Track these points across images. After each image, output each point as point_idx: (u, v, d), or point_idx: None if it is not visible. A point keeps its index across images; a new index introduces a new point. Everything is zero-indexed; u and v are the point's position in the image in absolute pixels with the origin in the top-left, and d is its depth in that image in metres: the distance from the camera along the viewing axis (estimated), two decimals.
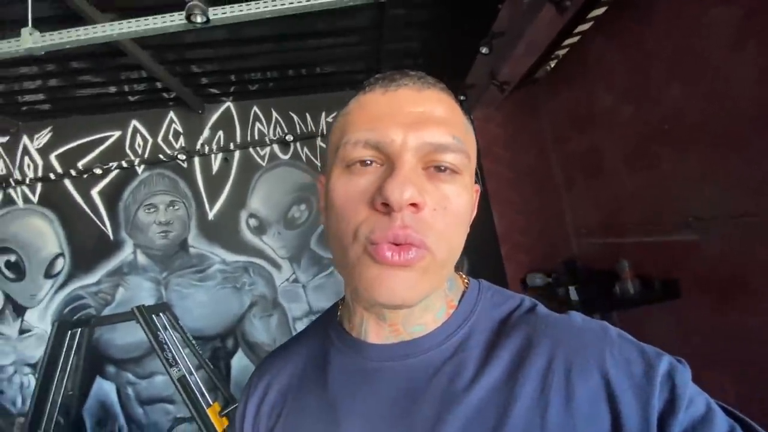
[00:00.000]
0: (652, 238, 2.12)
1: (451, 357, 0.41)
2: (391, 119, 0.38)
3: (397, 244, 0.35)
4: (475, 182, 0.45)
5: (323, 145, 2.95)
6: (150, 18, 1.35)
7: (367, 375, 0.42)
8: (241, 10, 1.36)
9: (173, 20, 1.33)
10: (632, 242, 2.27)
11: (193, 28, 1.30)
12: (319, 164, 2.93)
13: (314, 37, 2.34)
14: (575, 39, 2.53)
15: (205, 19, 1.28)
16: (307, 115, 2.96)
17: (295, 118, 2.96)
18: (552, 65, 2.92)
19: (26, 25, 1.39)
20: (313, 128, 2.95)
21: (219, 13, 1.34)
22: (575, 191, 2.91)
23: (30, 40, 1.31)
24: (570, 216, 3.02)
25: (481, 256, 2.93)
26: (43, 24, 1.54)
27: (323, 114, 2.97)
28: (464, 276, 0.49)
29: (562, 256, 2.89)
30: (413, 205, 0.35)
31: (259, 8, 1.33)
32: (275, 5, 1.34)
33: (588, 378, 0.35)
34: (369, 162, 0.38)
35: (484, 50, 1.91)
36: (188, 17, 1.26)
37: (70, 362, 2.22)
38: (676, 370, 0.35)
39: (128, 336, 2.64)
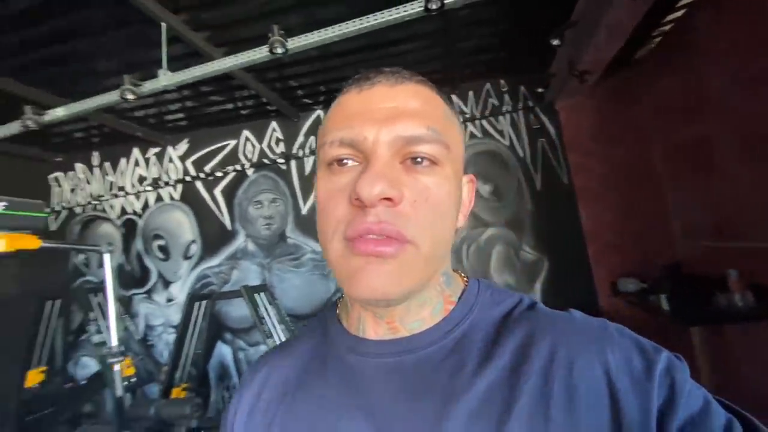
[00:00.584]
0: None
1: (452, 353, 0.41)
2: (365, 116, 0.39)
3: (378, 239, 0.36)
4: (466, 172, 0.46)
5: None
6: (246, 52, 1.67)
7: (368, 372, 0.42)
8: (312, 38, 1.58)
9: (262, 53, 1.61)
10: (747, 247, 1.93)
11: (270, 58, 1.57)
12: None
13: (392, 45, 2.50)
14: (679, 13, 2.22)
15: (284, 50, 1.53)
16: None
17: None
18: (654, 44, 2.59)
19: (161, 65, 1.82)
20: None
21: (295, 43, 1.58)
22: (682, 187, 2.55)
23: (164, 79, 1.74)
24: (675, 215, 2.65)
25: (564, 257, 2.78)
26: (173, 61, 2.00)
27: None
28: (463, 275, 0.49)
29: (663, 260, 2.57)
30: (388, 199, 0.36)
31: (322, 35, 1.54)
32: (334, 32, 1.54)
33: (590, 373, 0.36)
34: (347, 160, 0.39)
35: (555, 42, 1.83)
36: (270, 50, 1.52)
37: (198, 327, 2.81)
38: (675, 365, 0.36)
39: (240, 310, 3.19)
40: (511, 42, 2.54)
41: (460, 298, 0.45)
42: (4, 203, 1.27)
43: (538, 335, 0.40)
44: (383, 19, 1.53)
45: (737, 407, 0.35)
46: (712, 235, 2.26)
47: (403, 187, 0.37)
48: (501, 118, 2.95)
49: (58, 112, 1.97)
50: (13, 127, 1.97)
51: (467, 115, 2.98)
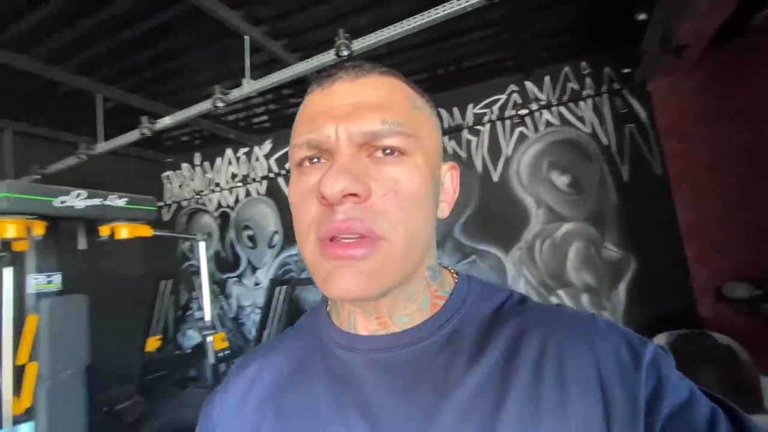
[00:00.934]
0: None
1: (444, 347, 0.41)
2: (326, 114, 0.38)
3: (349, 241, 0.36)
4: (446, 160, 0.46)
5: (469, 137, 3.04)
6: (315, 57, 1.79)
7: (360, 368, 0.42)
8: (376, 37, 1.63)
9: (329, 56, 1.71)
10: None
11: (340, 60, 1.65)
12: (464, 156, 3.04)
13: (460, 35, 2.44)
14: None
15: (349, 52, 1.61)
16: (454, 109, 3.09)
17: (443, 113, 3.13)
18: None
19: (245, 74, 2.03)
20: (461, 120, 3.07)
21: (360, 44, 1.65)
22: None
23: (247, 87, 1.94)
24: None
25: (655, 257, 2.48)
26: (256, 69, 2.21)
27: (470, 106, 3.04)
28: (452, 270, 0.49)
29: None
30: (353, 195, 0.35)
31: (385, 34, 1.58)
32: (396, 30, 1.56)
33: (579, 366, 0.36)
34: (316, 160, 0.39)
35: (641, 16, 1.63)
36: (337, 53, 1.61)
37: (279, 309, 3.11)
38: (661, 357, 0.37)
39: (317, 296, 3.44)
40: (592, 20, 2.31)
41: (451, 293, 0.45)
42: (125, 199, 1.57)
43: (529, 329, 0.40)
44: (444, 12, 1.52)
45: (721, 397, 0.36)
46: None
47: (370, 181, 0.36)
48: (582, 103, 2.71)
49: (166, 121, 2.32)
50: (132, 135, 2.37)
51: (542, 102, 2.80)
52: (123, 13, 1.95)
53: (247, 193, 3.97)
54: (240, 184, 3.99)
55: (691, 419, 0.34)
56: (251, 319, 3.84)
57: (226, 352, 3.21)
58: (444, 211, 0.45)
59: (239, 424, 0.45)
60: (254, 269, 3.89)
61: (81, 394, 1.52)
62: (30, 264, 1.44)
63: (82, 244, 1.61)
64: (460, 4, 1.53)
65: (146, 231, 1.69)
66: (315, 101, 0.41)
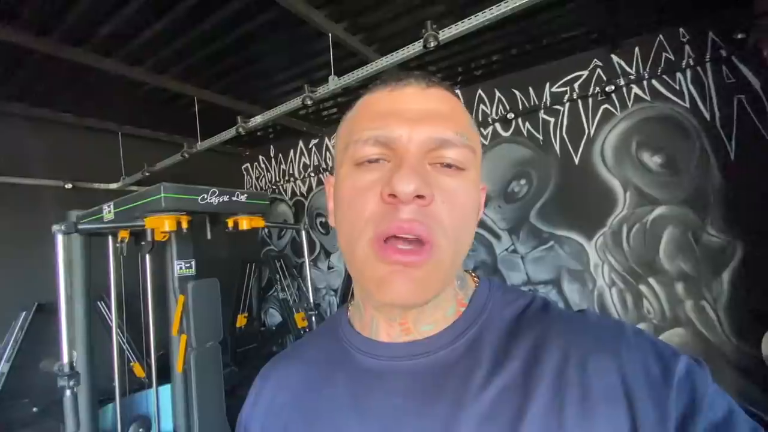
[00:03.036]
0: None
1: (464, 356, 0.40)
2: (398, 116, 0.39)
3: (406, 249, 0.36)
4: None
5: (546, 117, 2.91)
6: (401, 50, 1.83)
7: (380, 374, 0.42)
8: (461, 26, 1.63)
9: (416, 48, 1.74)
10: None
11: (426, 51, 1.68)
12: (540, 138, 2.93)
13: (544, 11, 2.32)
14: None
15: (436, 43, 1.62)
16: (530, 89, 2.97)
17: (518, 94, 3.03)
18: None
19: (328, 70, 2.13)
20: (536, 101, 2.95)
21: (446, 34, 1.65)
22: None
23: (332, 83, 2.04)
24: None
25: (767, 242, 2.24)
26: (335, 63, 2.30)
27: (547, 85, 2.90)
28: (474, 274, 0.49)
29: None
30: (420, 197, 0.36)
31: (467, 25, 1.58)
32: (478, 19, 1.55)
33: (604, 376, 0.35)
34: (377, 159, 0.39)
35: None
36: (424, 45, 1.64)
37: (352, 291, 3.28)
38: (695, 371, 0.34)
39: None
40: None
41: (471, 299, 0.45)
42: (245, 195, 1.78)
43: (551, 336, 0.39)
44: None
45: (761, 414, 0.32)
46: None
47: (432, 188, 0.37)
48: (679, 74, 2.47)
49: (258, 119, 2.51)
50: (229, 133, 2.60)
51: (632, 76, 2.59)
52: (219, 22, 2.12)
53: (319, 182, 4.17)
54: (312, 174, 4.20)
55: None
56: (326, 300, 4.09)
57: (305, 331, 3.48)
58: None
59: (268, 430, 0.47)
60: (327, 254, 4.12)
61: (218, 362, 1.78)
62: (173, 252, 1.71)
63: (208, 234, 1.87)
64: None
65: (261, 222, 1.91)
66: (382, 101, 0.41)
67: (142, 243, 1.70)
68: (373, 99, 0.43)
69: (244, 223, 1.83)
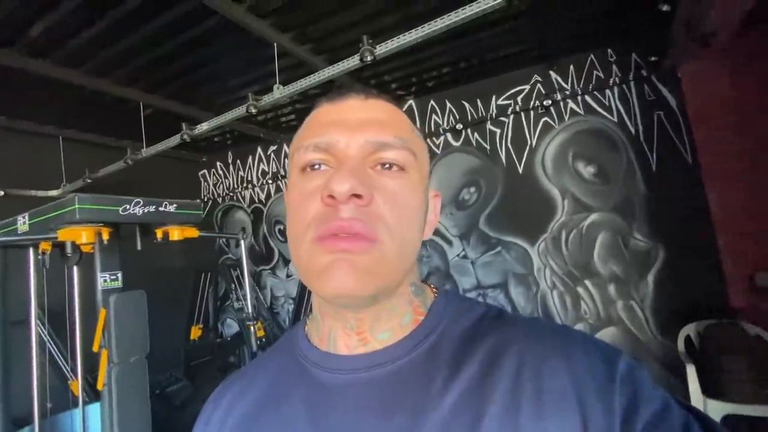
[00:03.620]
0: None
1: (423, 364, 0.41)
2: (338, 124, 0.41)
3: (347, 236, 0.37)
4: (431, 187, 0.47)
5: (492, 128, 3.05)
6: (340, 63, 1.88)
7: (338, 389, 0.42)
8: (398, 42, 1.70)
9: (354, 61, 1.79)
10: None
11: (363, 65, 1.73)
12: (488, 148, 3.06)
13: (485, 29, 2.43)
14: None
15: (372, 57, 1.68)
16: (478, 101, 3.10)
17: (467, 106, 3.16)
18: None
19: (275, 79, 2.14)
20: (483, 113, 3.08)
21: (383, 49, 1.72)
22: None
23: (278, 92, 2.06)
24: None
25: (684, 246, 2.45)
26: (283, 72, 2.32)
27: (493, 97, 3.05)
28: (432, 286, 0.50)
29: None
30: (357, 196, 0.37)
31: (407, 38, 1.65)
32: (418, 33, 1.62)
33: (556, 378, 0.36)
34: (320, 165, 0.41)
35: (664, 7, 1.61)
36: (361, 59, 1.69)
37: (310, 300, 3.27)
38: (635, 368, 0.37)
39: None
40: (618, 6, 2.27)
41: (429, 309, 0.45)
42: (175, 205, 1.74)
43: (506, 343, 0.40)
44: (465, 15, 1.57)
45: (692, 406, 0.37)
46: None
47: (372, 188, 0.38)
48: (608, 91, 2.67)
49: (203, 126, 2.49)
50: (173, 140, 2.56)
51: (567, 92, 2.78)
52: (161, 28, 2.09)
53: (278, 189, 4.14)
54: (270, 180, 4.17)
55: (666, 428, 0.34)
56: (285, 309, 4.05)
57: (263, 340, 3.42)
58: (427, 233, 0.47)
59: None
60: (286, 262, 4.09)
61: (144, 378, 1.72)
62: (97, 264, 1.65)
63: (138, 245, 1.81)
64: (480, 6, 1.57)
65: (193, 232, 1.87)
66: (325, 113, 0.44)
67: (68, 255, 1.64)
68: (318, 112, 0.45)
69: (175, 234, 1.79)
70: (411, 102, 3.43)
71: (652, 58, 2.42)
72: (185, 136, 2.48)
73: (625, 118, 2.62)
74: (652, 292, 2.53)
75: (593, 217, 2.70)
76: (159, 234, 1.81)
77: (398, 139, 0.41)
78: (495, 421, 0.35)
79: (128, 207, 1.63)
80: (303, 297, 3.17)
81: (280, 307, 4.10)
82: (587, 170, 2.72)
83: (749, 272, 2.29)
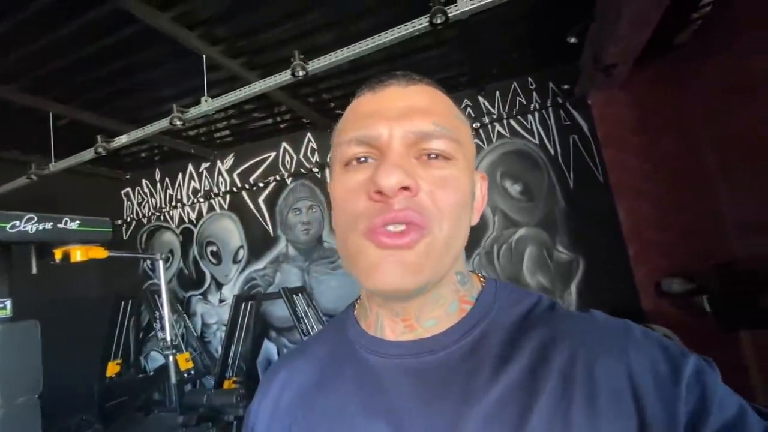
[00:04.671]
0: None
1: (470, 354, 0.40)
2: (379, 115, 0.40)
3: (396, 231, 0.36)
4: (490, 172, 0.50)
5: None
6: (271, 77, 1.84)
7: (386, 372, 0.42)
8: (330, 59, 1.71)
9: (286, 76, 1.77)
10: None
11: (297, 79, 1.72)
12: None
13: (420, 52, 2.56)
14: None
15: (304, 73, 1.67)
16: None
17: None
18: (696, 26, 2.42)
19: (204, 93, 2.05)
20: None
21: (315, 65, 1.72)
22: (734, 179, 2.35)
23: (205, 105, 1.97)
24: (729, 210, 2.45)
25: (600, 257, 2.67)
26: (215, 86, 2.23)
27: None
28: (480, 275, 0.49)
29: (716, 259, 2.39)
30: (406, 189, 0.36)
31: (338, 56, 1.67)
32: (349, 51, 1.65)
33: (611, 377, 0.35)
34: (364, 159, 0.40)
35: (572, 40, 1.80)
36: (293, 73, 1.68)
37: (245, 325, 3.07)
38: (704, 371, 0.34)
39: (282, 310, 3.42)
40: (535, 39, 2.51)
41: (478, 298, 0.45)
42: (77, 221, 1.54)
43: (558, 336, 0.39)
44: (393, 36, 1.62)
45: None
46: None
47: (418, 178, 0.38)
48: (530, 116, 2.90)
49: (122, 139, 2.30)
50: (87, 154, 2.33)
51: (494, 116, 2.97)
52: (74, 33, 1.93)
53: (210, 208, 3.91)
54: (202, 199, 3.93)
55: None
56: (217, 337, 3.76)
57: (191, 373, 3.13)
58: (475, 218, 0.45)
59: (273, 430, 0.47)
60: (219, 285, 3.83)
61: (35, 422, 1.47)
62: None
63: (33, 268, 1.57)
64: (407, 29, 1.64)
65: (101, 253, 1.66)
66: (365, 103, 0.43)
67: None
68: (358, 102, 0.44)
69: (78, 255, 1.59)
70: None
71: (566, 86, 2.68)
72: (100, 149, 2.27)
73: (546, 140, 2.85)
74: (575, 300, 2.71)
75: (521, 231, 2.87)
76: (58, 255, 1.59)
77: (440, 128, 0.40)
78: (543, 417, 0.34)
79: (18, 224, 1.42)
80: (236, 322, 2.97)
81: (212, 335, 3.79)
82: (514, 188, 2.90)
83: (656, 279, 2.55)
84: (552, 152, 2.83)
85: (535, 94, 2.89)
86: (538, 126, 2.87)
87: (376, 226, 0.36)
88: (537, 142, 2.87)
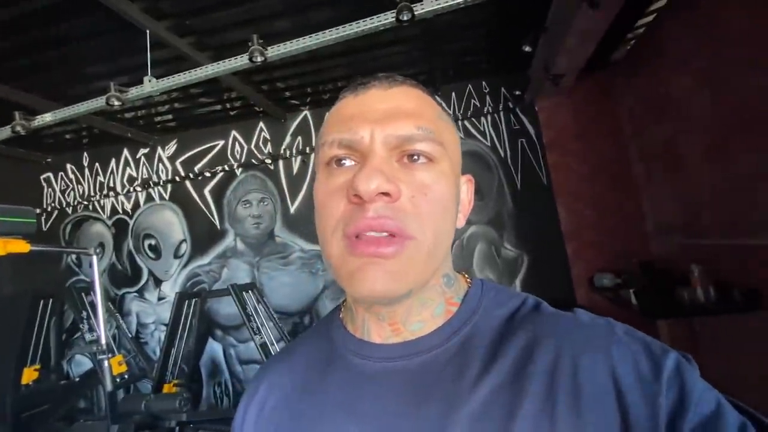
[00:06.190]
0: (732, 240, 1.87)
1: (456, 355, 0.40)
2: (361, 117, 0.40)
3: (379, 237, 0.36)
4: (463, 173, 0.47)
5: None
6: (226, 60, 1.73)
7: (373, 376, 0.42)
8: (292, 46, 1.64)
9: (242, 60, 1.67)
10: (710, 245, 2.03)
11: (254, 65, 1.63)
12: None
13: (380, 48, 2.54)
14: (650, 18, 2.29)
15: (263, 59, 1.59)
16: None
17: None
18: (629, 46, 2.67)
19: (146, 72, 1.87)
20: None
21: (274, 51, 1.64)
22: (654, 186, 2.64)
23: (149, 86, 1.80)
24: (649, 213, 2.75)
25: (543, 254, 2.87)
26: (159, 65, 2.05)
27: None
28: (466, 276, 0.49)
29: (639, 257, 2.67)
30: (385, 194, 0.36)
31: (301, 44, 1.61)
32: (312, 41, 1.60)
33: (595, 375, 0.35)
34: (345, 161, 0.40)
35: (526, 48, 1.90)
36: (250, 58, 1.59)
37: (189, 324, 2.89)
38: (684, 366, 0.35)
39: (230, 307, 3.25)
40: (492, 45, 2.61)
41: (463, 300, 0.45)
42: None
43: (543, 336, 0.39)
44: (359, 29, 1.60)
45: (751, 410, 0.34)
46: (682, 233, 2.36)
47: (400, 183, 0.37)
48: (483, 118, 3.02)
49: (46, 118, 2.04)
50: (3, 133, 2.02)
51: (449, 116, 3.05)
52: None
53: (149, 198, 3.61)
54: (140, 188, 3.61)
55: None
56: (155, 338, 3.49)
57: (124, 377, 2.88)
58: (461, 220, 0.45)
59: None
60: (158, 282, 3.55)
61: None
62: None
63: None
64: (373, 23, 1.62)
65: (22, 247, 1.44)
66: (348, 105, 0.42)
67: None
68: (341, 105, 0.43)
69: None
70: (306, 113, 3.37)
71: (517, 92, 2.83)
72: (18, 128, 1.99)
73: (497, 142, 2.99)
74: None
75: (472, 229, 2.98)
76: None
77: (423, 130, 0.39)
78: (529, 416, 0.34)
79: None
80: (178, 321, 2.78)
81: (149, 335, 3.52)
82: None
83: (590, 275, 2.79)
84: (502, 154, 2.97)
85: (488, 97, 3.01)
86: (490, 128, 3.00)
87: (354, 232, 0.36)
88: (489, 144, 2.99)
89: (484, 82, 3.02)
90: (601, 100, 2.91)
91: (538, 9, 2.04)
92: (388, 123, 0.39)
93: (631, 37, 2.58)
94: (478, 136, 3.01)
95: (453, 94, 3.06)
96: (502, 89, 2.99)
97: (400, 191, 0.37)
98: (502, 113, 2.98)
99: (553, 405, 0.34)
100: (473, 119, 3.02)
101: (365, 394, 0.41)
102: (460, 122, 3.03)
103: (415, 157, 0.39)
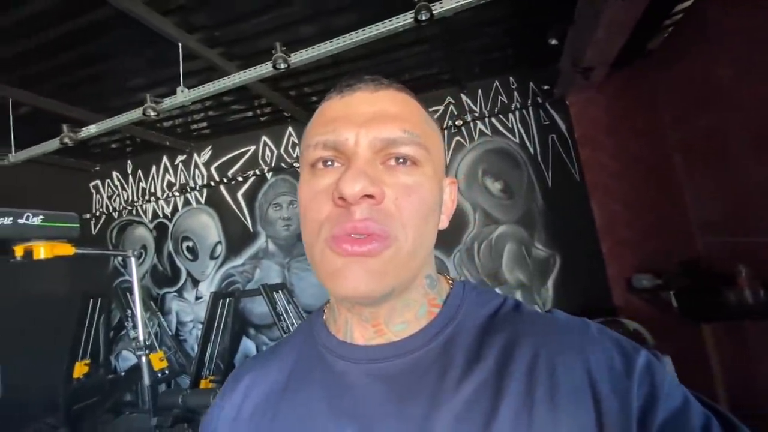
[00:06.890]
0: None
1: (439, 356, 0.41)
2: (346, 120, 0.40)
3: (359, 238, 0.36)
4: (447, 174, 0.48)
5: None
6: (252, 69, 1.79)
7: (355, 377, 0.42)
8: (313, 51, 1.68)
9: (268, 68, 1.73)
10: (758, 243, 1.88)
11: (278, 72, 1.68)
12: None
13: (402, 48, 2.53)
14: (689, 2, 2.16)
15: (286, 65, 1.64)
16: None
17: None
18: (668, 33, 2.52)
19: (180, 83, 1.97)
20: None
21: (297, 57, 1.68)
22: (696, 180, 2.47)
23: (181, 96, 1.90)
24: (690, 209, 2.58)
25: (577, 254, 2.76)
26: (192, 76, 2.15)
27: None
28: (448, 277, 0.50)
29: (682, 256, 2.51)
30: (370, 197, 0.37)
31: (322, 49, 1.64)
32: (333, 45, 1.63)
33: (571, 373, 0.36)
34: (330, 162, 0.40)
35: (553, 41, 1.84)
36: (274, 66, 1.64)
37: (223, 323, 3.01)
38: (654, 364, 0.37)
39: (262, 307, 3.36)
40: (519, 39, 2.54)
41: (445, 301, 0.45)
42: (41, 216, 1.46)
43: (522, 337, 0.40)
44: (378, 31, 1.61)
45: (713, 403, 0.36)
46: (727, 230, 2.20)
47: (384, 185, 0.38)
48: (510, 115, 2.95)
49: (91, 129, 2.19)
50: (52, 145, 2.20)
51: (476, 114, 3.00)
52: (38, 14, 1.81)
53: (186, 203, 3.80)
54: (178, 193, 3.81)
55: (684, 426, 0.34)
56: (193, 335, 3.66)
57: (165, 373, 3.04)
58: (443, 222, 0.46)
59: None
60: (195, 282, 3.73)
61: None
62: None
63: None
64: (392, 24, 1.63)
65: (67, 250, 1.56)
66: (333, 107, 0.42)
67: None
68: (326, 106, 0.43)
69: (41, 252, 1.49)
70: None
71: (546, 87, 2.73)
72: (66, 140, 2.15)
73: (525, 139, 2.90)
74: (552, 296, 2.78)
75: (501, 229, 2.92)
76: (19, 252, 1.49)
77: (408, 134, 0.40)
78: (509, 414, 0.35)
79: None
80: (213, 320, 2.90)
81: (187, 333, 3.69)
82: (495, 186, 2.94)
83: (627, 275, 2.65)
84: (531, 151, 2.89)
85: (516, 93, 2.93)
86: (519, 125, 2.92)
87: (339, 234, 0.37)
88: (517, 140, 2.92)
89: (511, 78, 2.95)
90: (638, 91, 2.75)
91: (563, 0, 1.97)
92: (373, 126, 0.39)
93: (669, 24, 2.43)
94: (507, 134, 2.94)
95: (479, 91, 3.01)
96: (531, 84, 2.90)
97: (384, 194, 0.37)
98: (531, 109, 2.90)
99: (532, 403, 0.35)
100: (501, 116, 2.95)
101: (348, 395, 0.41)
102: (487, 119, 2.98)
103: (401, 160, 0.39)
